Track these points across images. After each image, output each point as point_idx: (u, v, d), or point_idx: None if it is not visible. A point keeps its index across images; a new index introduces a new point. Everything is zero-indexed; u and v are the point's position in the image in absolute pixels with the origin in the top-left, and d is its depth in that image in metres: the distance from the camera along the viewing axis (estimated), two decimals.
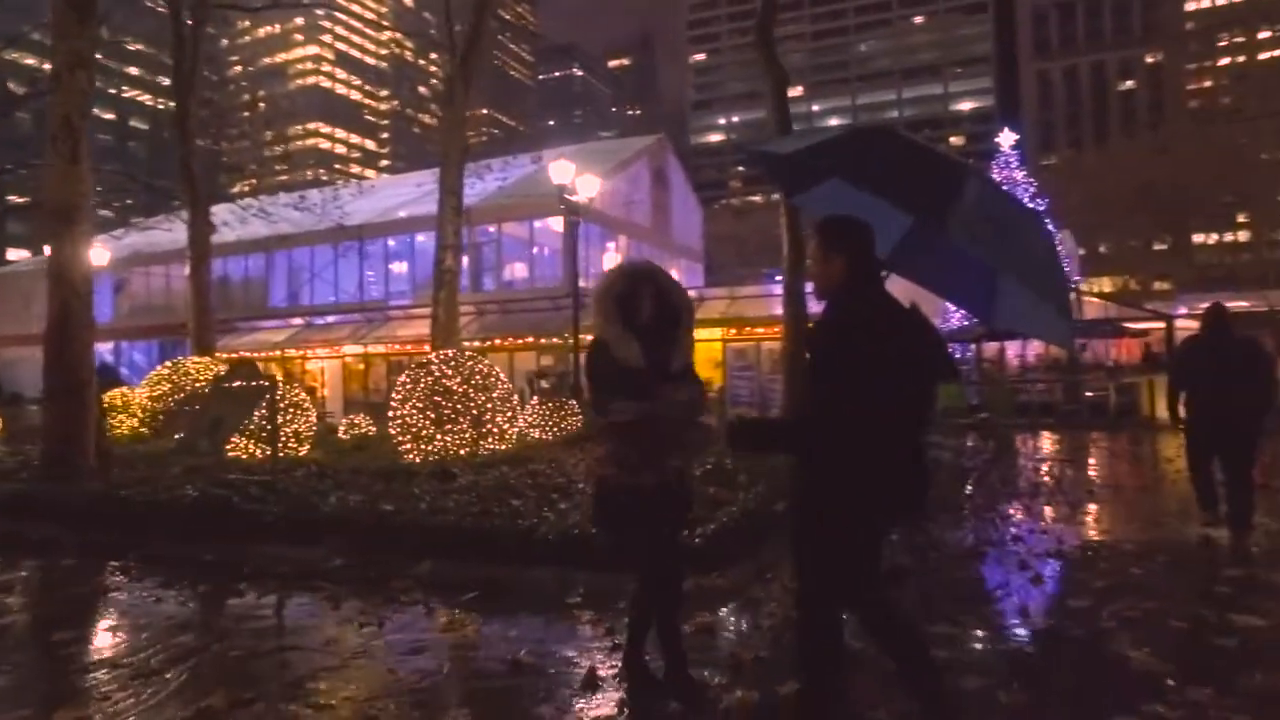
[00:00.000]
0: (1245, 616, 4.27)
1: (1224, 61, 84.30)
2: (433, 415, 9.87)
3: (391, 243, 28.82)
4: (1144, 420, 17.17)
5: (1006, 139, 38.08)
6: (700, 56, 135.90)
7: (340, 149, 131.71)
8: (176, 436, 10.71)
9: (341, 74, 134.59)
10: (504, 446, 10.38)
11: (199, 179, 17.39)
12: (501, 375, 10.79)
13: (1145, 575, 5.31)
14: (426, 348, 21.38)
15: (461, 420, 9.95)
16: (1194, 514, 6.68)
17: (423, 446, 9.89)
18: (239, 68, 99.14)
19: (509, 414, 10.56)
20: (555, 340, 20.68)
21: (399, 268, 29.14)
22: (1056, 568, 5.66)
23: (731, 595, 4.95)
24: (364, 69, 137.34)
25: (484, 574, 5.47)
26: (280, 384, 9.33)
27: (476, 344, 19.56)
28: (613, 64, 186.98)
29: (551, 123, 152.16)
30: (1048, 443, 14.46)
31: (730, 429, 2.85)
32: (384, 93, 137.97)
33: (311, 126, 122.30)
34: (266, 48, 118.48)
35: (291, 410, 10.64)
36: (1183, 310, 33.42)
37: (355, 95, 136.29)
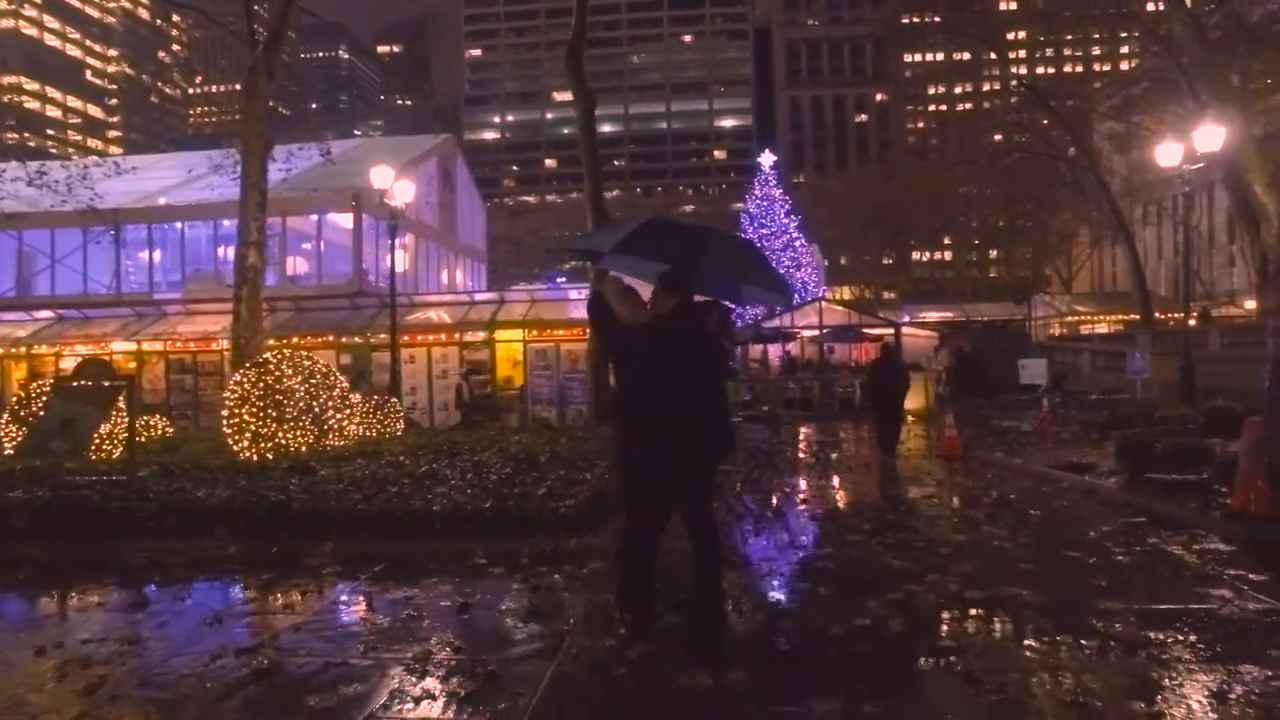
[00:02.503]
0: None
1: (932, 108, 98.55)
2: (274, 414, 10.12)
3: (154, 231, 26.63)
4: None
5: (767, 159, 42.61)
6: (476, 52, 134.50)
7: (54, 112, 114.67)
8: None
9: (54, 23, 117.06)
10: (343, 443, 10.83)
11: None
12: (339, 375, 11.20)
13: (878, 505, 7.37)
14: (216, 346, 20.39)
15: (304, 419, 10.30)
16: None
17: (261, 445, 10.10)
18: None
19: (347, 411, 11.02)
20: (355, 340, 20.59)
21: (167, 259, 26.98)
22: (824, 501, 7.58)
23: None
24: (85, 21, 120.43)
25: (384, 550, 6.28)
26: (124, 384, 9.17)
27: (273, 342, 19.00)
28: (383, 50, 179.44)
29: (315, 105, 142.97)
30: (809, 430, 17.20)
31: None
32: (113, 53, 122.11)
33: (9, 80, 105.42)
34: None
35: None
36: (906, 318, 39.59)
37: (74, 51, 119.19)
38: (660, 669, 3.75)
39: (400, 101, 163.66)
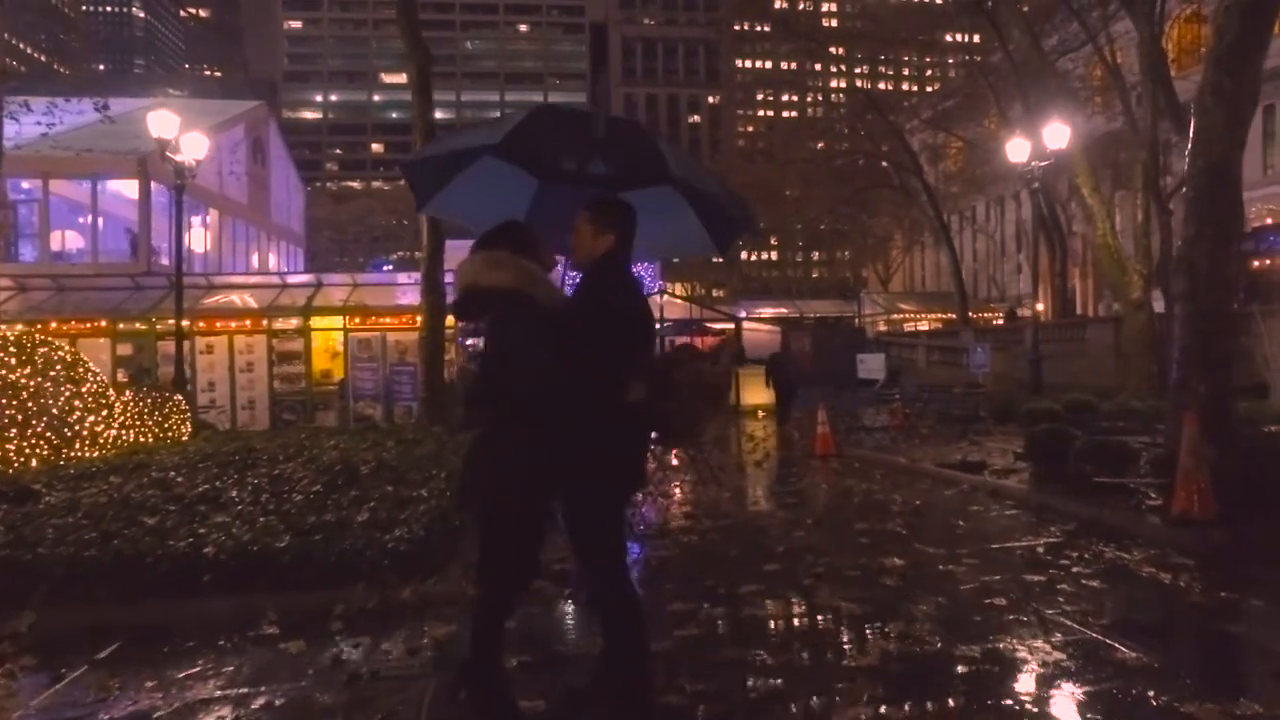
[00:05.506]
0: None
1: (762, 113, 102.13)
2: None
3: None
4: (731, 406, 19.94)
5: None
6: (296, 24, 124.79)
7: None
8: None
9: None
10: (96, 454, 8.39)
11: None
12: (93, 366, 8.73)
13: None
14: None
15: (35, 423, 7.80)
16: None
17: None
18: None
19: (104, 413, 8.57)
20: (139, 325, 17.28)
21: None
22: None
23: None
24: None
25: (126, 618, 4.32)
26: None
27: (20, 326, 15.45)
28: (187, 13, 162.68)
29: (102, 68, 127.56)
30: None
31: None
32: None
33: None
34: None
35: None
36: (743, 313, 40.00)
37: None
38: None
39: (209, 73, 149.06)
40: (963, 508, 6.99)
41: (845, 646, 3.71)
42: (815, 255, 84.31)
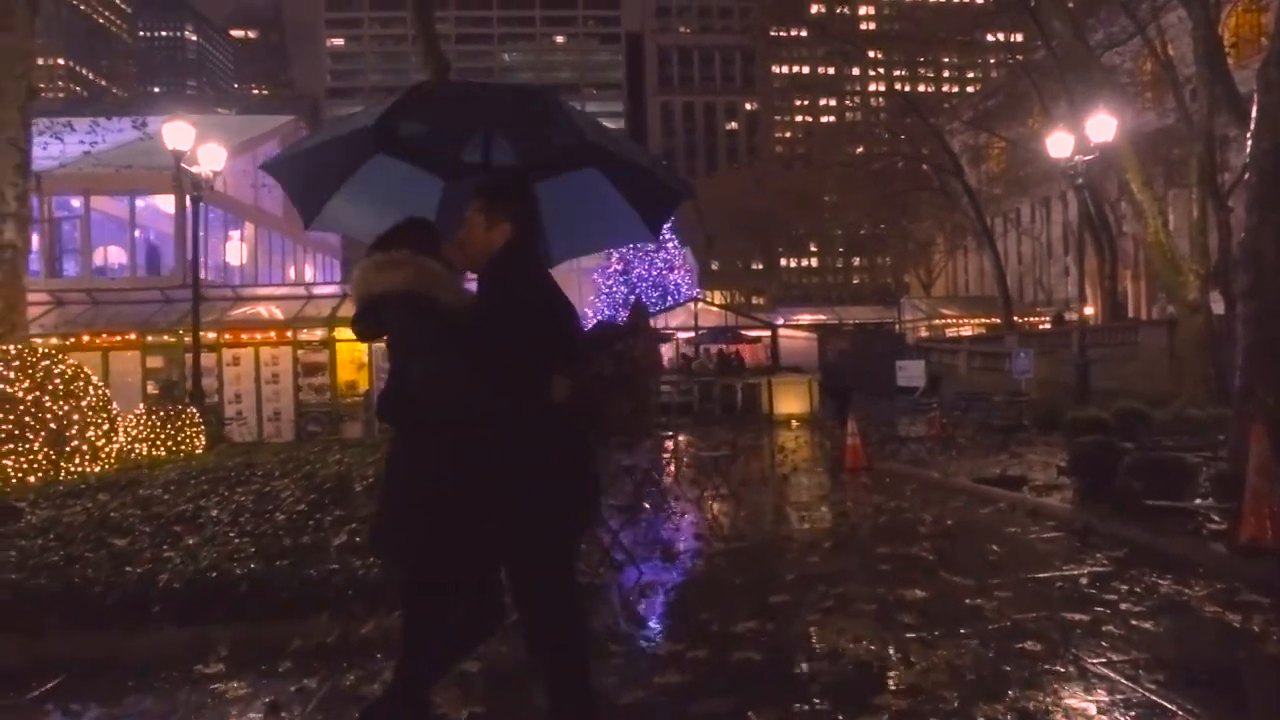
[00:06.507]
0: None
1: (799, 118, 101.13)
2: None
3: None
4: (764, 416, 19.37)
5: None
6: (339, 42, 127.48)
7: None
8: None
9: None
10: (97, 468, 8.21)
11: None
12: (94, 378, 8.56)
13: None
14: None
15: (32, 437, 7.64)
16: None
17: None
18: None
19: (105, 427, 8.39)
20: (167, 338, 17.35)
21: None
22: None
23: None
24: None
25: (77, 651, 4.01)
26: None
27: (55, 340, 15.62)
28: (236, 33, 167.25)
29: (157, 89, 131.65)
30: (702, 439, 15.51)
31: None
32: None
33: None
34: None
35: None
36: (781, 320, 39.29)
37: None
38: None
39: (256, 91, 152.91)
40: (998, 529, 6.37)
41: (845, 702, 3.19)
42: (856, 261, 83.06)
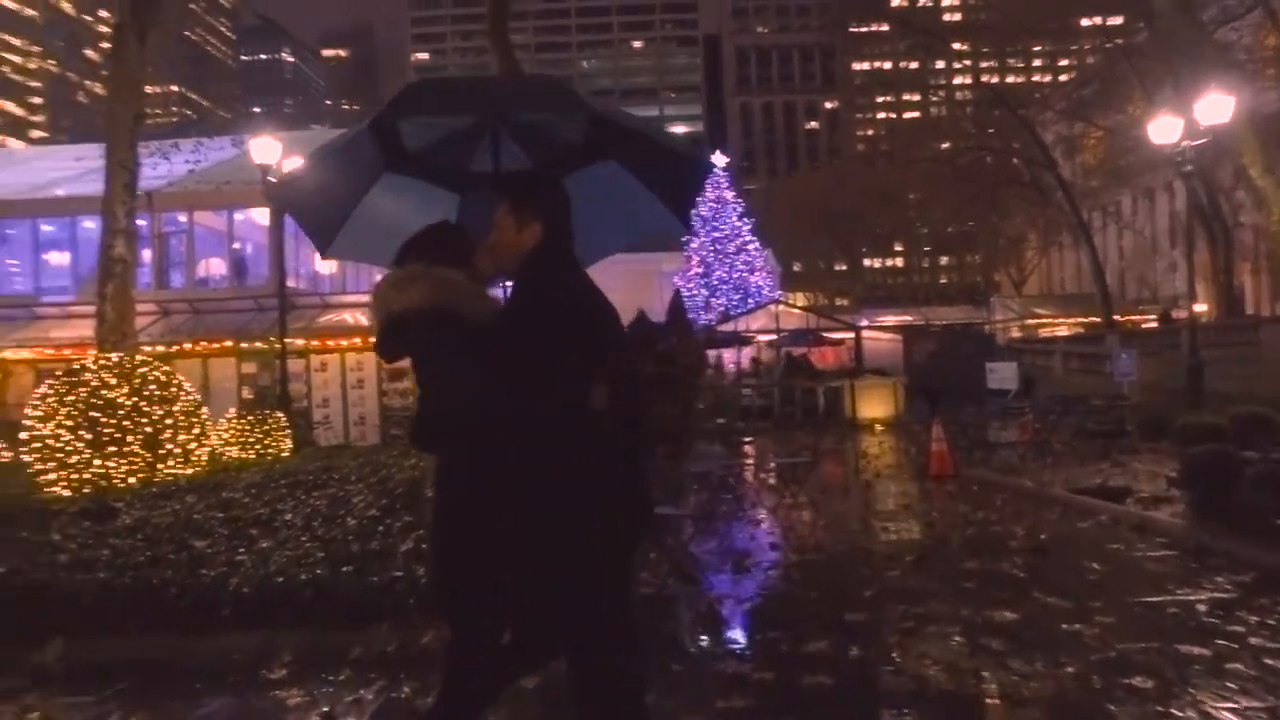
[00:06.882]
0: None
1: (881, 115, 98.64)
2: (88, 435, 7.81)
3: (46, 227, 23.84)
4: (847, 420, 18.82)
5: (719, 160, 41.01)
6: (424, 56, 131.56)
7: None
8: None
9: None
10: (189, 471, 8.53)
11: None
12: (186, 384, 8.91)
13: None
14: (92, 353, 17.68)
15: (130, 440, 7.99)
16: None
17: (73, 475, 7.79)
18: None
19: (195, 431, 8.72)
20: (259, 345, 18.10)
21: (56, 258, 24.12)
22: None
23: None
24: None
25: (145, 653, 4.08)
26: None
27: (161, 349, 16.51)
28: (328, 53, 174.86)
29: (258, 110, 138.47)
30: (778, 445, 15.21)
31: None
32: (35, 49, 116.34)
33: None
34: None
35: None
36: (865, 322, 38.29)
37: None
38: None
39: (347, 106, 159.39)
40: (1099, 545, 5.88)
41: None
42: (943, 260, 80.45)
